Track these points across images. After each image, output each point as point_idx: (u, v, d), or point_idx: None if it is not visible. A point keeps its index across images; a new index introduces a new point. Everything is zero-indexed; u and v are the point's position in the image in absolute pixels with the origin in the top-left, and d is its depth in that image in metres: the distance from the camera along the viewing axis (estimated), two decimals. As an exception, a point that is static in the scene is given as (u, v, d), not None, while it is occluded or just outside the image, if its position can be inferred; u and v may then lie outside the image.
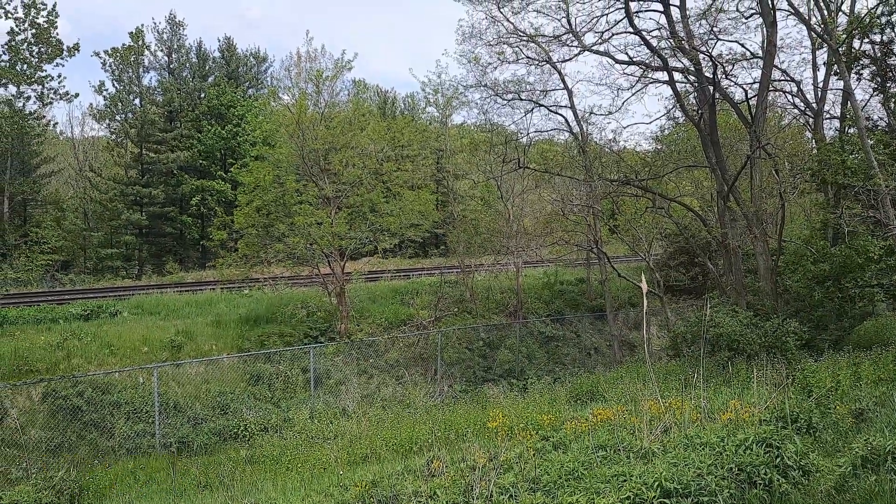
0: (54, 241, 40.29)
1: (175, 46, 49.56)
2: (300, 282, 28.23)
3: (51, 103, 41.95)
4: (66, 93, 40.94)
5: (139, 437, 14.91)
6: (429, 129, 51.02)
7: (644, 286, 8.89)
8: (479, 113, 27.09)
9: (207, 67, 51.44)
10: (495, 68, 23.95)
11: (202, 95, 49.48)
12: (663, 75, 20.15)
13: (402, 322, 24.29)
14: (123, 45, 46.44)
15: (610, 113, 23.71)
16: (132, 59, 46.51)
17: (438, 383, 21.09)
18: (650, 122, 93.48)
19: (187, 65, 50.55)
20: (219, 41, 54.63)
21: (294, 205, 22.63)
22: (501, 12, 21.38)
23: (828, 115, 22.45)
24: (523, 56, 23.33)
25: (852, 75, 18.26)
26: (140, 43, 46.65)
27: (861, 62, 18.59)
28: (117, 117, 47.68)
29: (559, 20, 21.39)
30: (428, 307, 25.62)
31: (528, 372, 23.09)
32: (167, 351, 18.69)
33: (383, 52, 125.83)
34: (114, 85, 47.04)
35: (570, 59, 23.54)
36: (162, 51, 49.24)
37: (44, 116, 44.12)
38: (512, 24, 21.84)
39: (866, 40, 18.31)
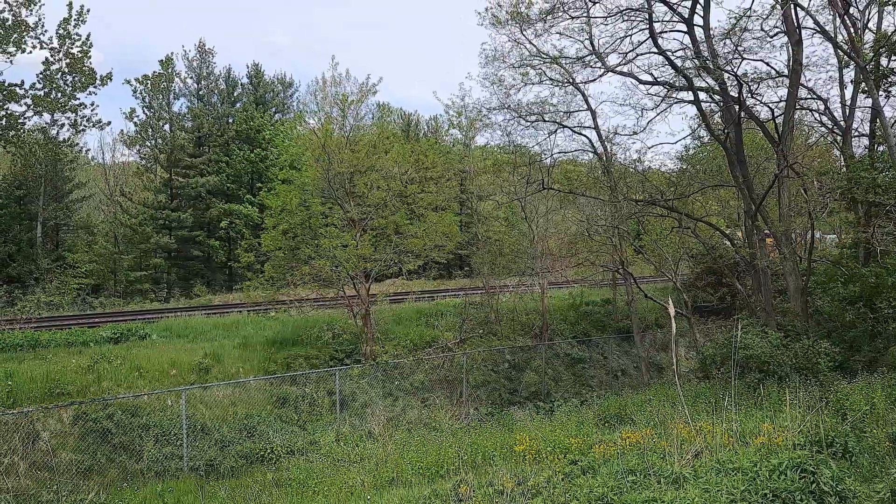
0: (85, 265, 41.00)
1: (204, 73, 50.56)
2: (325, 304, 28.36)
3: (83, 130, 42.76)
4: (99, 120, 41.64)
5: (167, 459, 14.99)
6: (452, 151, 51.31)
7: (671, 308, 8.80)
8: (503, 134, 27.14)
9: (236, 93, 52.36)
10: (518, 90, 24.04)
11: (230, 121, 50.30)
12: (688, 95, 20.08)
13: (427, 344, 24.25)
14: (154, 72, 47.54)
15: (634, 133, 23.49)
16: (162, 86, 47.53)
17: (464, 406, 21.00)
18: (675, 142, 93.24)
19: (216, 91, 51.49)
20: (247, 67, 55.78)
21: (320, 227, 22.83)
22: (524, 35, 21.49)
23: (856, 133, 22.16)
24: (546, 78, 23.41)
25: (881, 92, 18.03)
26: (170, 70, 47.69)
27: (889, 79, 18.37)
28: (147, 143, 48.71)
29: (582, 42, 21.45)
30: (453, 329, 25.56)
31: (555, 394, 22.90)
32: (195, 373, 18.82)
33: (406, 77, 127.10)
34: (144, 111, 48.13)
35: (594, 80, 23.50)
36: (191, 77, 50.29)
37: (76, 143, 45.06)
38: (535, 46, 21.95)
39: (894, 57, 18.11)
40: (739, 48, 18.24)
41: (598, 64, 21.25)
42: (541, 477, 8.18)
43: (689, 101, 20.58)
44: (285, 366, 20.48)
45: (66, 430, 15.18)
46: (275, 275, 22.80)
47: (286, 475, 14.02)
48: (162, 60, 47.40)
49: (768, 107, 19.70)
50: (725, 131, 19.28)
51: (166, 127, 48.65)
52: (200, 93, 50.77)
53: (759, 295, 18.72)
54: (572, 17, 20.04)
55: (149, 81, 47.05)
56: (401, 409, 19.52)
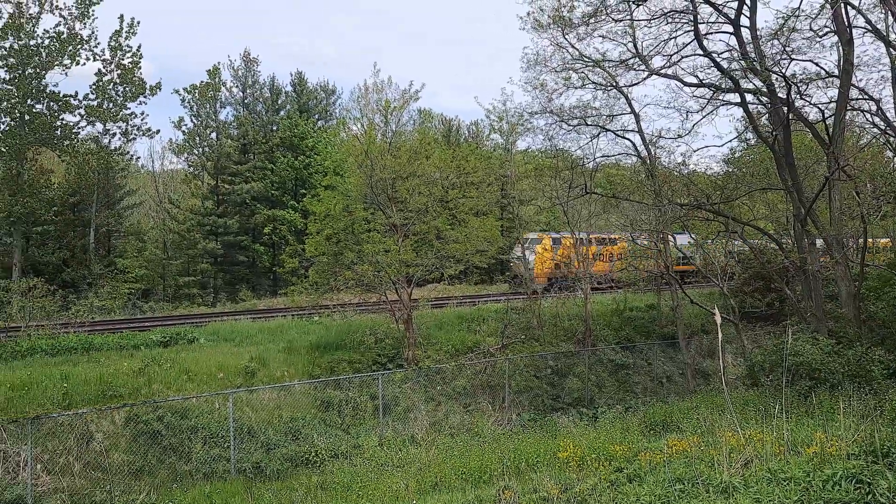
0: (136, 270, 42.10)
1: (249, 82, 51.56)
2: (368, 308, 28.60)
3: (134, 139, 44.05)
4: (148, 129, 42.90)
5: (215, 461, 15.27)
6: (493, 155, 51.28)
7: (718, 315, 8.67)
8: (545, 139, 26.97)
9: (280, 101, 53.23)
10: (560, 94, 23.93)
11: (275, 128, 51.15)
12: (734, 97, 19.74)
13: (468, 349, 24.26)
14: (201, 82, 48.68)
15: (679, 136, 23.16)
16: (209, 95, 48.65)
17: (506, 411, 20.93)
18: (721, 145, 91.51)
19: (261, 99, 52.44)
20: (290, 75, 56.67)
21: (362, 233, 23.05)
22: (566, 39, 21.40)
23: (911, 134, 21.47)
24: (589, 81, 23.25)
25: (936, 92, 17.48)
26: (217, 80, 48.79)
27: (946, 79, 17.80)
28: (195, 151, 49.91)
29: (625, 45, 21.28)
30: (494, 334, 25.53)
31: (598, 401, 22.67)
32: (241, 377, 19.15)
33: (447, 83, 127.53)
34: (192, 120, 49.34)
35: (638, 83, 23.25)
36: (237, 86, 51.35)
37: (127, 152, 46.33)
38: (577, 50, 21.84)
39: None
40: (787, 49, 17.87)
41: (642, 67, 21.07)
42: (586, 484, 8.12)
43: (736, 104, 20.24)
44: (329, 370, 20.70)
45: (119, 432, 15.59)
46: (319, 280, 23.09)
47: (330, 479, 14.18)
48: (209, 70, 48.59)
49: (818, 108, 19.23)
50: (773, 133, 18.89)
51: (213, 135, 49.76)
52: (246, 101, 51.79)
53: (810, 300, 18.28)
54: (615, 20, 19.92)
55: (196, 91, 48.21)
56: (443, 413, 19.56)
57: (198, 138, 49.46)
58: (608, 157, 27.74)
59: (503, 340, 24.70)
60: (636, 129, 25.59)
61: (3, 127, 38.94)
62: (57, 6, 38.74)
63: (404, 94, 24.35)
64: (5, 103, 37.83)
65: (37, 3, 38.36)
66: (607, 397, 23.16)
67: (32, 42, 38.23)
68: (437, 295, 35.09)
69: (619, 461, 9.90)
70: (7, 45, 37.76)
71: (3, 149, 39.04)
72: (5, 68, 37.93)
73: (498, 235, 27.37)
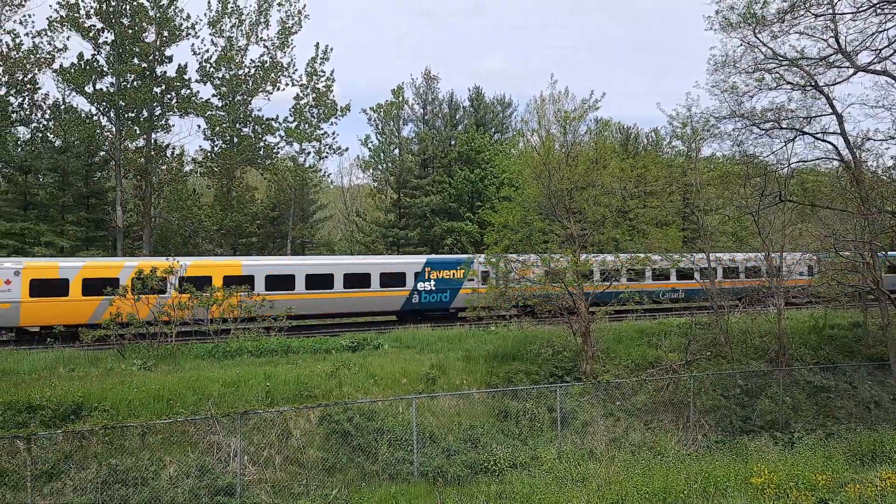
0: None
1: (430, 99, 53.69)
2: (544, 320, 28.50)
3: (326, 157, 47.48)
4: (339, 147, 46.14)
5: (399, 463, 15.93)
6: (674, 163, 49.31)
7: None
8: (733, 144, 25.47)
9: (458, 116, 54.85)
10: (752, 97, 22.52)
11: (453, 143, 52.77)
12: (961, 91, 17.52)
13: (649, 364, 23.41)
14: (386, 101, 51.44)
15: (891, 137, 20.93)
16: (393, 113, 51.28)
17: (691, 431, 19.94)
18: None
19: (440, 115, 54.36)
20: (468, 91, 58.23)
21: (540, 244, 23.08)
22: (758, 38, 20.14)
23: None
24: (784, 82, 21.67)
25: None
26: (400, 98, 51.29)
27: None
28: (379, 167, 52.78)
29: (825, 40, 19.63)
30: (677, 350, 24.42)
31: (794, 425, 20.95)
32: (423, 383, 19.84)
33: (623, 91, 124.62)
34: (377, 137, 52.28)
35: (840, 81, 21.31)
36: (418, 104, 53.66)
37: (320, 169, 50.01)
38: (770, 48, 20.47)
39: None
40: None
41: (845, 63, 19.32)
42: (786, 515, 7.55)
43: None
44: (506, 380, 20.87)
45: (314, 430, 16.74)
46: (497, 290, 23.40)
47: (509, 489, 14.29)
48: (394, 89, 51.17)
49: None
50: None
51: (396, 151, 52.32)
52: (426, 118, 53.92)
53: None
54: (815, 15, 18.44)
55: (382, 110, 51.02)
56: (623, 430, 19.03)
57: (382, 154, 52.30)
58: (805, 162, 25.68)
59: (687, 357, 23.56)
60: (838, 132, 23.46)
61: (216, 149, 43.62)
62: (261, 38, 42.78)
63: (583, 103, 24.10)
64: (218, 128, 42.32)
65: (245, 36, 42.58)
66: (805, 422, 21.35)
67: (241, 72, 42.47)
68: (616, 307, 34.18)
69: (821, 491, 9.14)
70: (220, 75, 42.25)
71: (215, 168, 43.69)
72: (218, 96, 42.48)
73: (680, 246, 26.21)
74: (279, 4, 42.90)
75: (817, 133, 23.89)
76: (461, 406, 18.98)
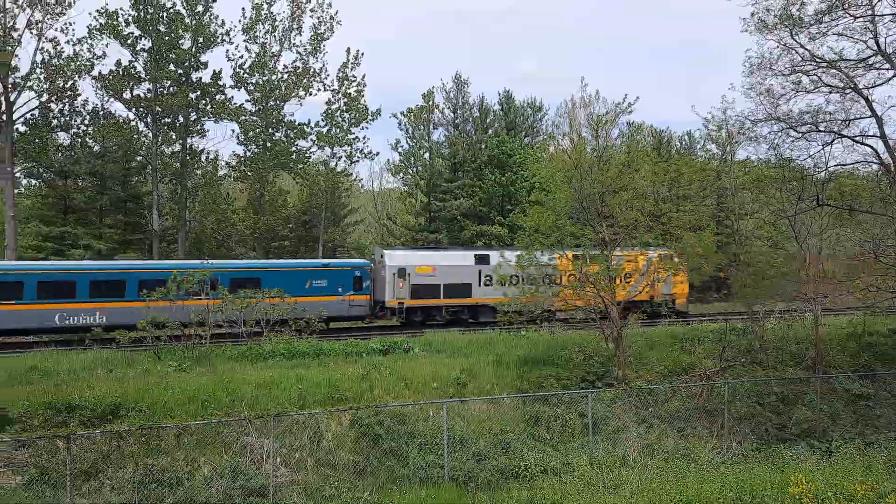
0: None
1: (460, 103, 53.73)
2: (574, 325, 28.39)
3: (357, 161, 47.82)
4: (370, 152, 46.43)
5: (430, 467, 15.93)
6: (708, 167, 48.72)
7: None
8: (769, 148, 25.06)
9: (488, 120, 54.83)
10: (789, 99, 22.16)
11: (483, 146, 52.73)
12: None
13: (682, 370, 23.12)
14: (416, 105, 51.69)
15: (933, 140, 20.45)
16: (423, 117, 51.50)
17: (725, 439, 19.62)
18: None
19: (470, 119, 54.39)
20: (498, 94, 58.10)
21: (571, 248, 22.94)
22: (795, 39, 19.81)
23: None
24: (822, 84, 21.28)
25: None
26: (430, 103, 51.48)
27: None
28: (409, 170, 53.02)
29: (865, 42, 19.25)
30: (711, 356, 24.10)
31: (832, 433, 20.50)
32: (453, 387, 19.84)
33: (655, 94, 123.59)
34: (407, 142, 52.54)
35: (880, 83, 20.87)
36: (448, 108, 53.74)
37: (351, 173, 50.41)
38: (808, 50, 20.12)
39: None
40: None
41: (886, 65, 18.91)
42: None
43: None
44: (537, 385, 20.78)
45: (345, 433, 16.84)
46: (528, 294, 23.30)
47: (540, 494, 14.20)
48: (424, 94, 51.42)
49: None
50: None
51: (426, 155, 52.48)
52: (456, 122, 53.99)
53: None
54: (853, 17, 18.10)
55: (412, 114, 51.25)
56: (655, 436, 18.79)
57: (412, 158, 52.52)
58: (843, 165, 25.15)
59: (721, 363, 23.23)
60: (878, 134, 22.96)
61: (249, 153, 44.23)
62: (294, 44, 43.30)
63: (617, 106, 23.96)
64: (251, 132, 42.90)
65: (278, 42, 43.13)
66: (843, 430, 20.87)
67: (274, 77, 43.01)
68: (648, 312, 33.90)
69: (860, 502, 8.94)
70: (254, 80, 42.84)
71: (248, 173, 44.28)
72: (252, 101, 43.08)
73: (714, 251, 25.82)
74: (312, 11, 43.38)
75: (856, 136, 23.40)
76: (491, 411, 18.95)
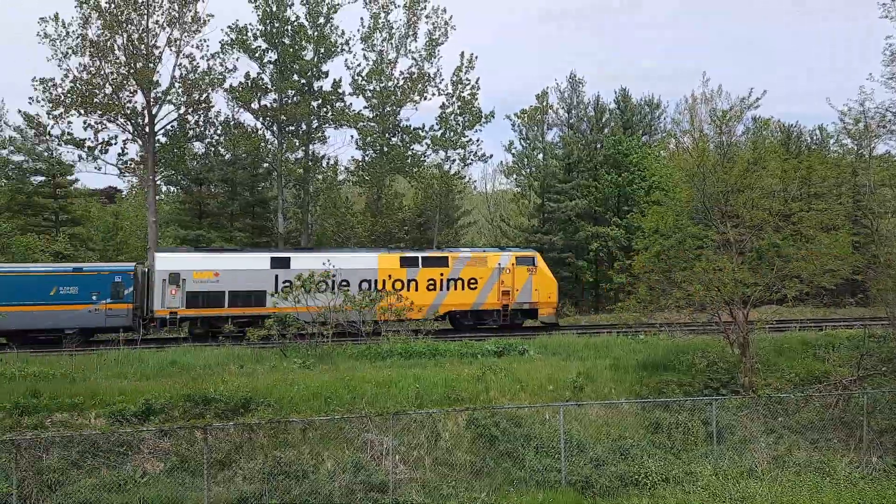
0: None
1: (574, 103, 53.07)
2: (696, 329, 27.32)
3: (470, 163, 48.18)
4: (483, 154, 46.64)
5: (546, 470, 15.83)
6: (843, 163, 45.63)
7: None
8: (912, 141, 23.22)
9: (604, 119, 53.84)
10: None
11: (599, 146, 51.82)
12: None
13: (815, 379, 21.77)
14: (531, 106, 51.51)
15: None
16: (537, 118, 51.26)
17: (864, 453, 18.31)
18: None
19: (585, 119, 53.60)
20: (615, 93, 56.87)
21: (693, 249, 22.16)
22: (944, 23, 18.22)
23: None
24: (977, 69, 19.48)
25: None
26: (545, 103, 51.18)
27: None
28: (523, 172, 52.88)
29: None
30: (848, 364, 22.53)
31: None
32: (569, 391, 19.62)
33: (783, 89, 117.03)
34: (521, 143, 52.42)
35: None
36: (563, 108, 53.21)
37: (464, 175, 50.87)
38: (960, 34, 18.44)
39: None
40: None
41: None
42: None
43: None
44: (657, 391, 20.20)
45: (461, 433, 17.04)
46: (647, 297, 22.70)
47: (661, 503, 13.82)
48: (538, 95, 51.14)
49: None
50: None
51: (539, 156, 52.16)
52: (571, 122, 53.35)
53: None
54: None
55: (526, 115, 51.14)
56: (785, 448, 17.81)
57: (526, 160, 52.35)
58: None
59: (859, 372, 21.70)
60: None
61: (367, 158, 45.62)
62: (410, 50, 44.28)
63: (742, 101, 22.84)
64: (369, 138, 44.24)
65: (394, 49, 44.25)
66: None
67: (390, 83, 44.16)
68: (776, 317, 32.14)
69: None
70: (371, 87, 44.17)
71: (366, 177, 45.69)
72: (369, 108, 44.43)
73: (850, 252, 24.16)
74: (427, 17, 44.19)
75: None
76: (609, 416, 18.60)
